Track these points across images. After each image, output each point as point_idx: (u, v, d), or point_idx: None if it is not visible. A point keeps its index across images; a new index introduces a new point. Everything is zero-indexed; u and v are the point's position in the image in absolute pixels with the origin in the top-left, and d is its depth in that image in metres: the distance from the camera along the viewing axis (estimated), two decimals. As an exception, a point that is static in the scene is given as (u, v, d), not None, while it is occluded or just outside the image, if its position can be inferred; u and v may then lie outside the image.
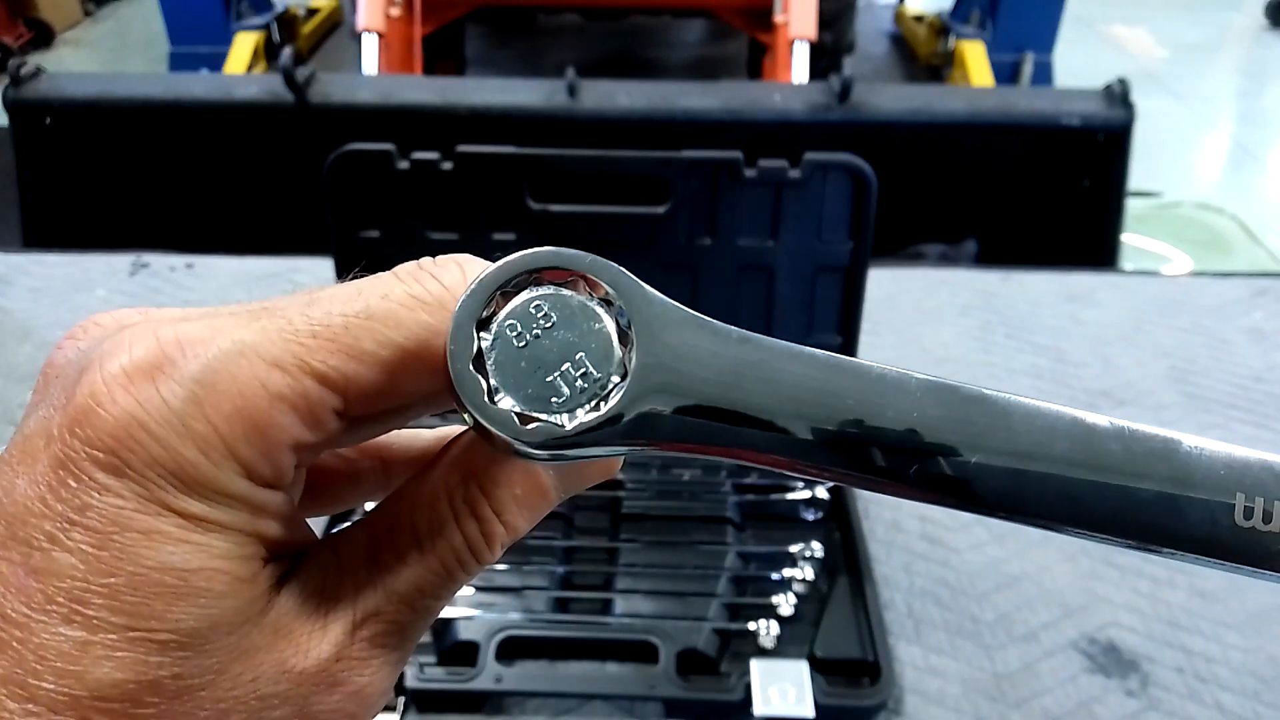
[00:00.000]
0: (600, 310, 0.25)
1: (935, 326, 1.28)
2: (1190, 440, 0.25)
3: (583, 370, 0.24)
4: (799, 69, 2.61)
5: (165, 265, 1.37)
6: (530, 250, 0.25)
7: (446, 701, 0.78)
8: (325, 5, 4.41)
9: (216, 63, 3.30)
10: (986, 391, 0.25)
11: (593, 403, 0.24)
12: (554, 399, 0.24)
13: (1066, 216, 1.87)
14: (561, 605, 0.85)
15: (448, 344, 0.24)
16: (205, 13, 3.53)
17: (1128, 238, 1.92)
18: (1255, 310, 1.32)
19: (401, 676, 0.77)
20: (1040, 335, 1.26)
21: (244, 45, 3.32)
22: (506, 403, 0.24)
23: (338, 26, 4.41)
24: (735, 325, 0.26)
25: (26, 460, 0.23)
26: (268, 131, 1.83)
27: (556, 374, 0.24)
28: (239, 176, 1.89)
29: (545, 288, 0.25)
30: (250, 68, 3.25)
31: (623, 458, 0.28)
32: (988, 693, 0.81)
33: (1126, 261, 1.93)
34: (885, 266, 1.37)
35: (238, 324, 0.24)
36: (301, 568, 0.26)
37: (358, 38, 2.58)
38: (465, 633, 0.81)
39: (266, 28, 3.50)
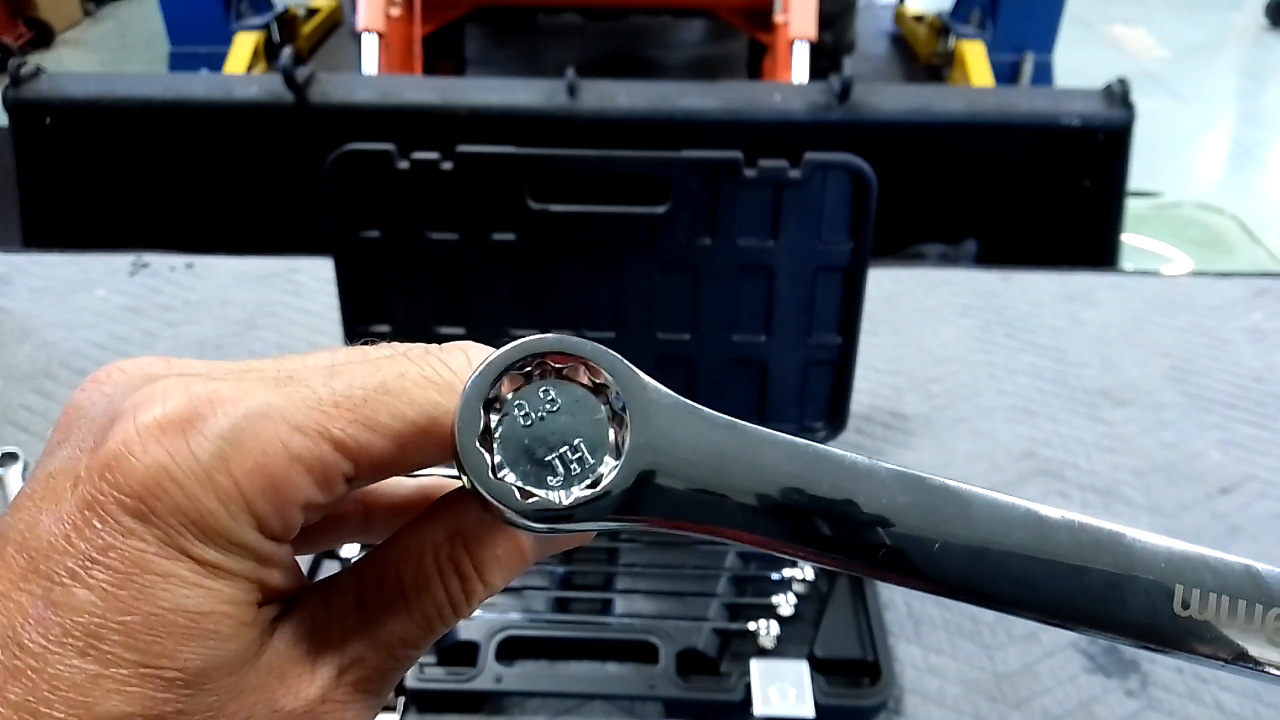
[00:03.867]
0: (599, 400, 0.27)
1: (935, 326, 1.28)
2: (1134, 534, 0.27)
3: (579, 454, 0.27)
4: (799, 69, 2.61)
5: (165, 265, 1.37)
6: (536, 336, 0.27)
7: (446, 701, 0.78)
8: (325, 5, 4.40)
9: (216, 63, 3.30)
10: (949, 483, 0.27)
11: (586, 483, 0.26)
12: (550, 478, 0.26)
13: (1066, 216, 1.87)
14: (561, 605, 0.85)
15: (456, 420, 0.26)
16: (205, 13, 3.52)
17: (1128, 238, 1.92)
18: (1255, 310, 1.32)
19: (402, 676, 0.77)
20: (1040, 335, 1.26)
21: (244, 45, 3.31)
22: (508, 477, 0.26)
23: (338, 26, 4.41)
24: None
25: (51, 498, 0.25)
26: (268, 131, 1.83)
27: (555, 455, 0.26)
28: (239, 176, 1.89)
29: (553, 377, 0.27)
30: (250, 68, 3.24)
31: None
32: (988, 693, 0.81)
33: (1126, 261, 1.93)
34: (885, 266, 1.37)
35: (265, 387, 0.26)
36: (293, 612, 0.28)
37: (358, 38, 2.58)
38: (465, 633, 0.81)
39: (266, 28, 3.49)
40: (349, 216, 0.93)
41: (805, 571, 0.87)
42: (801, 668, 0.78)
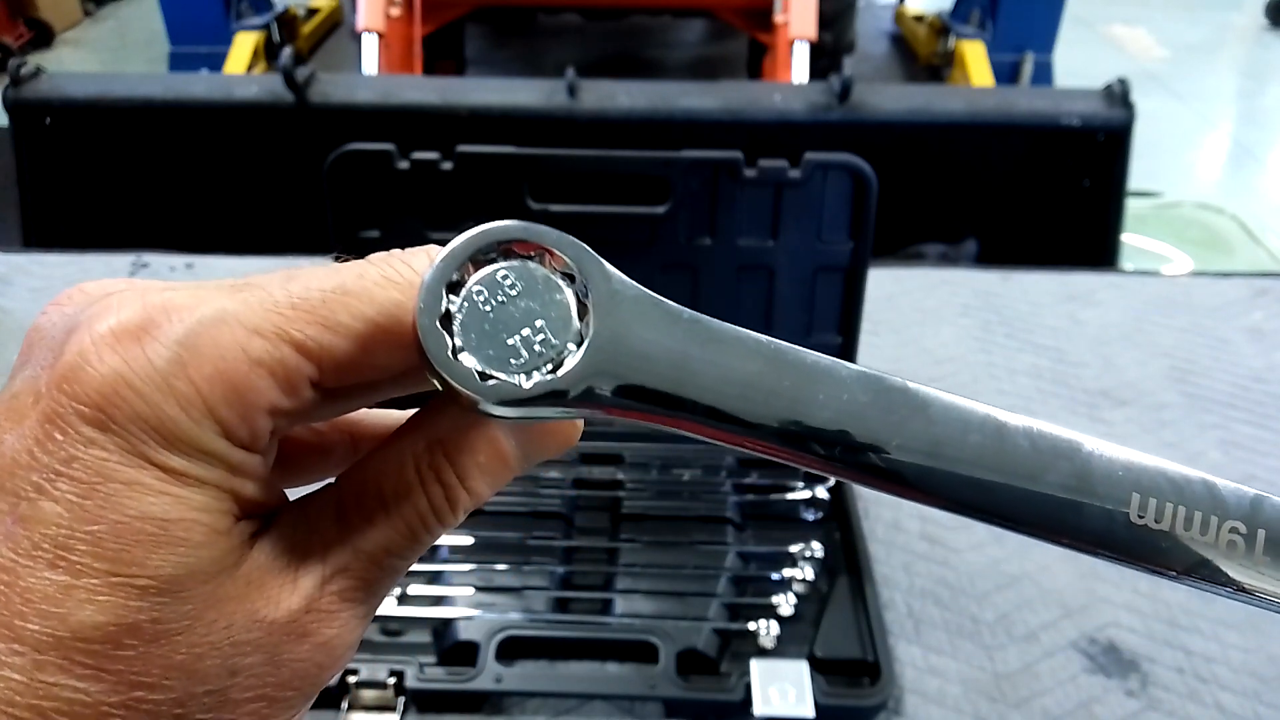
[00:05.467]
0: (563, 283, 0.27)
1: (935, 326, 1.28)
2: (1093, 443, 0.27)
3: (542, 336, 0.26)
4: (799, 69, 2.61)
5: (165, 265, 1.37)
6: (500, 223, 0.27)
7: (446, 701, 0.78)
8: (325, 5, 4.40)
9: (216, 63, 3.30)
10: (910, 384, 0.27)
11: (549, 366, 0.26)
12: (513, 360, 0.26)
13: (1066, 216, 1.87)
14: (561, 605, 0.85)
15: (418, 302, 0.26)
16: (205, 13, 3.52)
17: (1128, 238, 1.92)
18: (1255, 310, 1.32)
19: (401, 676, 0.77)
20: (1040, 335, 1.26)
21: (244, 45, 3.31)
22: (469, 361, 0.26)
23: (338, 26, 4.41)
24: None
25: (14, 416, 0.25)
26: (268, 131, 1.83)
27: (517, 338, 0.26)
28: (239, 176, 1.89)
29: (514, 260, 0.27)
30: (250, 68, 3.24)
31: (580, 430, 0.31)
32: (988, 693, 0.81)
33: (1126, 261, 1.93)
34: (885, 266, 1.37)
35: (221, 294, 0.26)
36: (274, 525, 0.28)
37: (358, 38, 2.58)
38: (465, 633, 0.81)
39: (266, 28, 3.49)
40: (349, 216, 0.93)
41: (805, 571, 0.87)
42: (801, 668, 0.78)
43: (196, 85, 1.86)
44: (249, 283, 0.26)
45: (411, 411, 0.30)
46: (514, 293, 0.26)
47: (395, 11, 2.67)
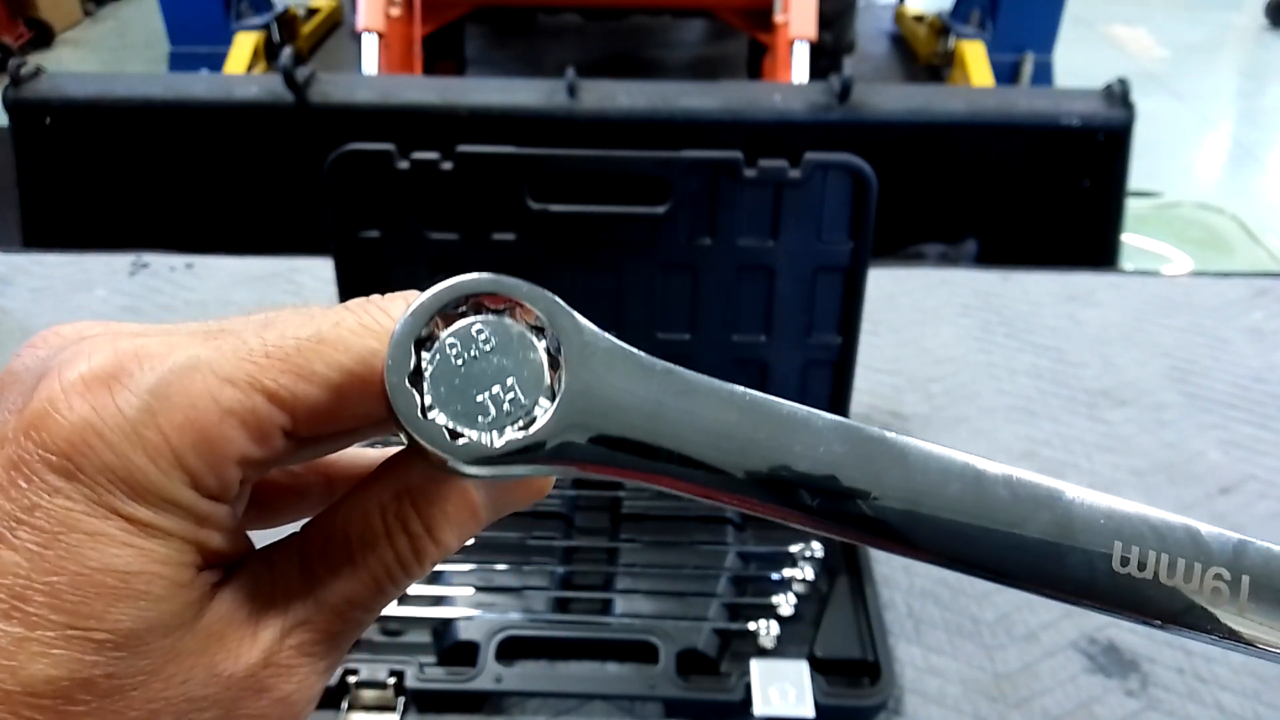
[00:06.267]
0: (534, 338, 0.26)
1: (935, 326, 1.28)
2: (1074, 491, 0.27)
3: (512, 394, 0.26)
4: (799, 69, 2.61)
5: (165, 265, 1.37)
6: (469, 275, 0.26)
7: (446, 701, 0.78)
8: (325, 5, 4.41)
9: (216, 63, 3.30)
10: (887, 434, 0.27)
11: (520, 423, 0.26)
12: (482, 417, 0.26)
13: (1066, 216, 1.87)
14: (561, 605, 0.85)
15: (386, 359, 0.25)
16: (205, 13, 3.53)
17: (1128, 238, 1.92)
18: (1255, 310, 1.32)
19: (401, 676, 0.77)
20: (1040, 335, 1.26)
21: (244, 45, 3.32)
22: (439, 418, 0.25)
23: (338, 26, 4.41)
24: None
25: None
26: (268, 131, 1.83)
27: (487, 394, 0.26)
28: (239, 176, 1.89)
29: (485, 314, 0.26)
30: (250, 68, 3.25)
31: (552, 481, 0.30)
32: (988, 693, 0.81)
33: (1126, 261, 1.93)
34: (885, 266, 1.37)
35: (194, 341, 0.25)
36: (236, 576, 0.27)
37: (358, 38, 2.58)
38: (465, 633, 0.81)
39: (266, 28, 3.50)
40: (349, 216, 0.93)
41: (805, 572, 0.87)
42: (801, 668, 0.78)
43: (196, 85, 1.86)
44: (224, 329, 0.26)
45: (388, 452, 0.30)
46: (486, 348, 0.26)
47: (395, 11, 2.67)
